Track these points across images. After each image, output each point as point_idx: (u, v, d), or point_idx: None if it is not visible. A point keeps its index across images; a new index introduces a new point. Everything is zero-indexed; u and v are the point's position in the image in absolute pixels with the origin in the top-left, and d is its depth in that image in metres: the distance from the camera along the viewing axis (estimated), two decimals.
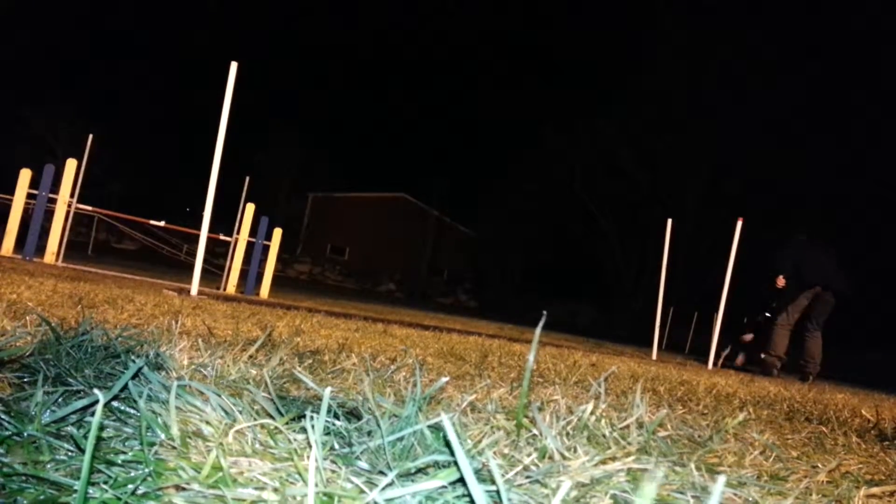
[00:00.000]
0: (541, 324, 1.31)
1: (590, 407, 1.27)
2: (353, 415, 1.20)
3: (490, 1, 49.56)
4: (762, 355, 8.33)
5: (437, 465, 0.93)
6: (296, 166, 38.57)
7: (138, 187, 32.72)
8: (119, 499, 0.72)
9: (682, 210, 29.39)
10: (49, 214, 8.31)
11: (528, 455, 1.01)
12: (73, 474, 0.78)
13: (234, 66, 5.70)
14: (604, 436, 1.20)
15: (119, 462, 0.82)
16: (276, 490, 0.77)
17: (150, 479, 0.77)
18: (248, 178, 10.72)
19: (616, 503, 0.87)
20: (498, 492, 0.76)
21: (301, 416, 1.01)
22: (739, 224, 7.88)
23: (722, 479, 0.58)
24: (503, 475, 0.90)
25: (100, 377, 1.22)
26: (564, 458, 1.02)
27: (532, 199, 36.05)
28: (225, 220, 11.51)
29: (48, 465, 0.80)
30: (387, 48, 51.54)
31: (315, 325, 3.56)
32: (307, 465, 0.81)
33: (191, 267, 5.96)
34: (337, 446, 0.97)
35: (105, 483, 0.76)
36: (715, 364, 8.83)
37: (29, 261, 7.43)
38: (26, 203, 8.14)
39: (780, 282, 8.15)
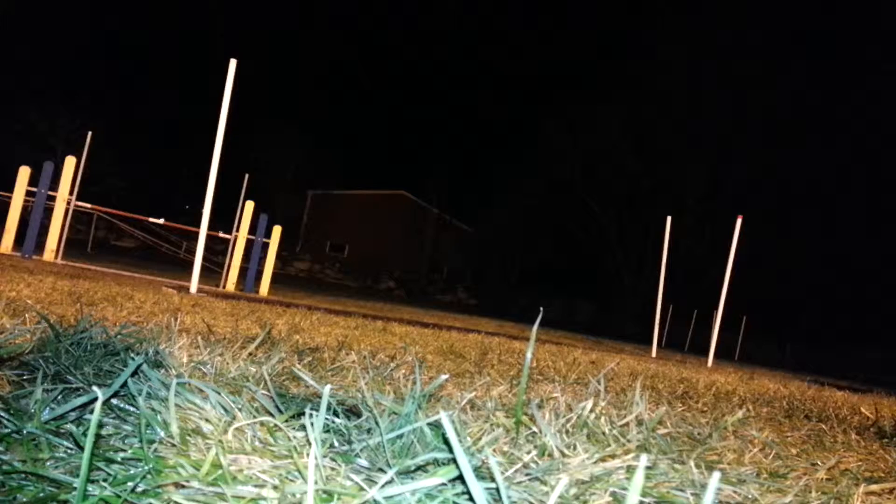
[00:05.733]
0: (538, 321, 1.31)
1: (589, 404, 1.27)
2: (352, 412, 1.20)
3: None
4: None
5: (437, 463, 0.93)
6: (295, 164, 38.53)
7: (137, 185, 32.69)
8: (119, 496, 0.72)
9: (682, 207, 29.40)
10: (48, 212, 8.30)
11: (528, 452, 1.01)
12: (73, 472, 0.78)
13: (233, 63, 5.69)
14: (603, 433, 1.20)
15: (118, 459, 0.82)
16: (275, 487, 0.77)
17: (149, 476, 0.77)
18: (247, 176, 10.71)
19: (616, 500, 0.87)
20: (497, 489, 0.76)
21: (300, 414, 1.01)
22: (739, 222, 7.88)
23: (717, 475, 0.58)
24: (503, 473, 0.90)
25: (99, 375, 1.22)
26: (564, 455, 1.02)
27: (532, 196, 36.02)
28: (224, 217, 11.51)
29: (48, 463, 0.80)
30: (387, 46, 51.52)
31: (314, 323, 3.56)
32: (307, 463, 0.81)
33: (190, 264, 5.95)
34: (336, 444, 0.97)
35: (105, 480, 0.76)
36: None
37: (28, 258, 7.42)
38: (25, 200, 8.13)
39: None
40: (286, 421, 0.99)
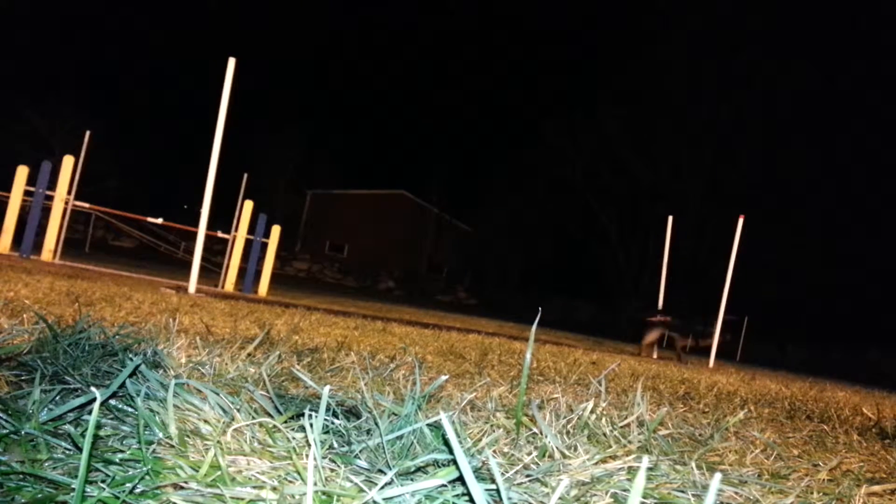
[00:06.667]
0: (536, 321, 1.30)
1: (590, 405, 1.26)
2: (352, 413, 1.19)
3: None
4: None
5: (437, 464, 0.92)
6: (294, 163, 38.54)
7: (136, 184, 32.66)
8: (117, 497, 0.71)
9: (684, 207, 29.41)
10: (46, 212, 8.29)
11: (528, 453, 1.01)
12: (71, 472, 0.77)
13: (231, 61, 5.68)
14: (604, 434, 1.19)
15: (117, 460, 0.81)
16: (274, 489, 0.76)
17: (147, 477, 0.76)
18: (246, 175, 10.71)
19: (617, 502, 0.87)
20: (498, 490, 0.75)
21: (300, 415, 1.01)
22: (741, 222, 7.87)
23: (718, 476, 0.58)
24: (503, 474, 0.90)
25: (97, 375, 1.21)
26: (565, 456, 1.01)
27: (532, 196, 36.05)
28: (223, 217, 11.50)
29: (46, 464, 0.80)
30: (386, 46, 51.52)
31: (314, 323, 3.55)
32: (306, 464, 0.81)
33: (188, 264, 5.95)
34: (336, 445, 0.96)
35: (103, 482, 0.75)
36: None
37: (26, 258, 7.42)
38: (23, 200, 8.12)
39: None
40: (285, 422, 0.98)
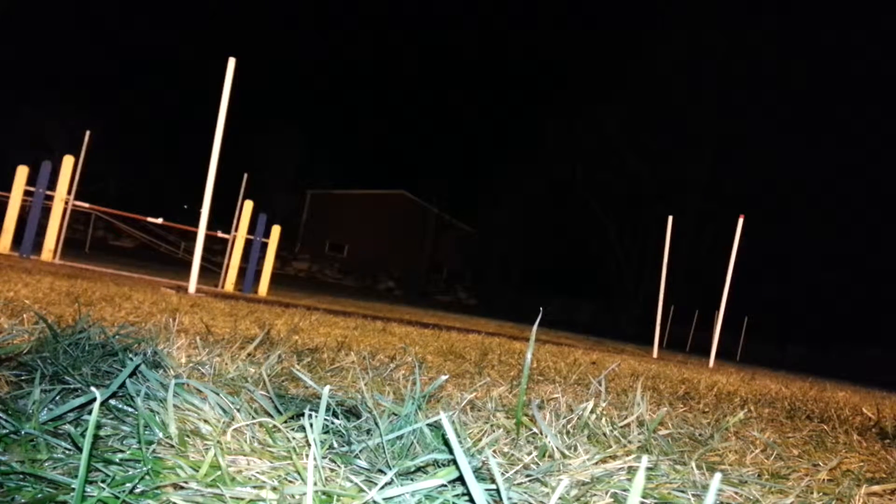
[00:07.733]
0: (537, 321, 1.31)
1: (590, 405, 1.26)
2: (352, 413, 1.19)
3: None
4: None
5: (437, 464, 0.92)
6: (295, 163, 38.54)
7: (136, 184, 32.67)
8: (117, 497, 0.71)
9: (684, 207, 29.41)
10: (46, 211, 8.29)
11: (528, 453, 1.01)
12: (71, 472, 0.77)
13: (231, 61, 5.68)
14: (604, 434, 1.19)
15: (117, 460, 0.81)
16: (274, 489, 0.76)
17: (147, 477, 0.76)
18: (246, 175, 10.70)
19: (617, 501, 0.87)
20: (498, 490, 0.75)
21: (300, 415, 1.01)
22: (741, 222, 7.87)
23: (718, 476, 0.58)
24: (503, 474, 0.90)
25: (97, 375, 1.21)
26: (565, 456, 1.01)
27: (532, 196, 36.07)
28: (223, 217, 11.51)
29: (46, 464, 0.80)
30: (386, 45, 51.52)
31: (313, 323, 3.55)
32: (306, 464, 0.81)
33: (189, 264, 5.95)
34: (336, 445, 0.96)
35: (103, 481, 0.75)
36: None
37: (26, 258, 7.42)
38: (23, 200, 8.12)
39: None
40: (285, 422, 0.98)
